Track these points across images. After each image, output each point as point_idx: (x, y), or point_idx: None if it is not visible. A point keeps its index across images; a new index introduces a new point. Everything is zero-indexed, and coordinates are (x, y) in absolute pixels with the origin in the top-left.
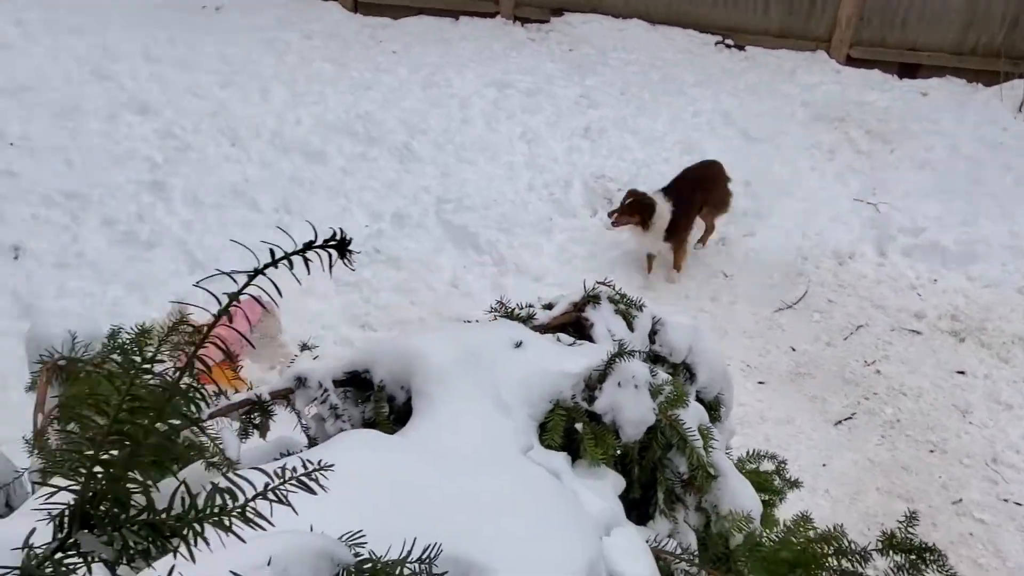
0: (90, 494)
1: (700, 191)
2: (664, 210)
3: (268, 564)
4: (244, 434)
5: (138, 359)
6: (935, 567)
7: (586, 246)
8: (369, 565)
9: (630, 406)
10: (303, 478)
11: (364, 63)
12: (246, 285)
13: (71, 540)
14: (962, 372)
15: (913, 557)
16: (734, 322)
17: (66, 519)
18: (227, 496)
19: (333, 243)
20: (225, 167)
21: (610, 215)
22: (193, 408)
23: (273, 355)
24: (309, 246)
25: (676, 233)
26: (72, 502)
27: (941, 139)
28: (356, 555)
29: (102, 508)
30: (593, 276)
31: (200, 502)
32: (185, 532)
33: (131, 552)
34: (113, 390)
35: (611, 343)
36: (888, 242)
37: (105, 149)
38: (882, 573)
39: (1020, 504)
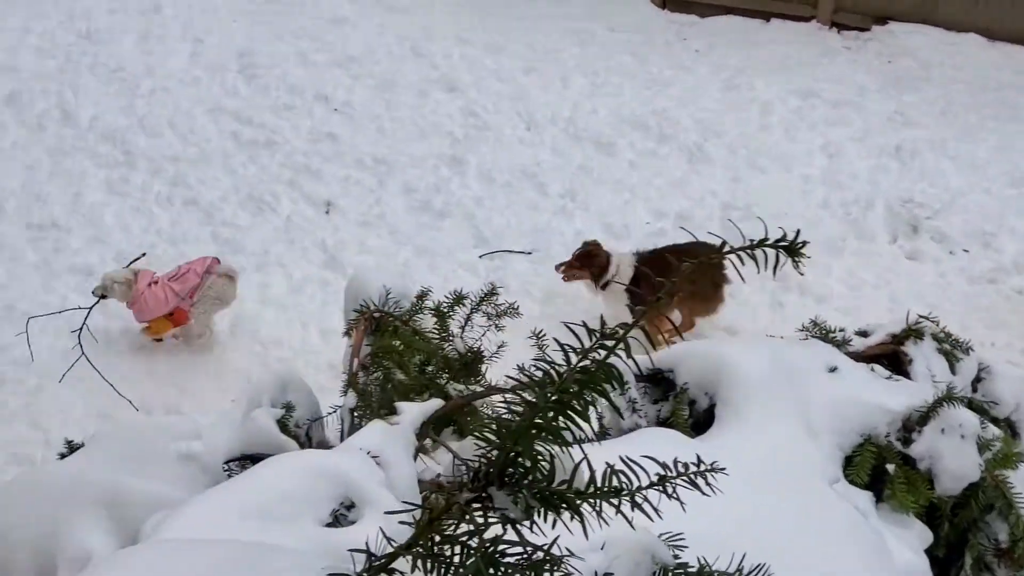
0: (507, 455)
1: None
2: (626, 271)
3: (602, 548)
4: None
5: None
6: None
7: (878, 273)
8: (693, 570)
9: (952, 456)
10: (694, 475)
11: (666, 60)
12: (689, 272)
13: (484, 494)
14: None
15: None
16: None
17: (482, 474)
18: (620, 478)
19: (784, 243)
20: (519, 149)
21: (557, 267)
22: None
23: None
24: (760, 243)
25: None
26: (491, 460)
27: None
28: (675, 556)
29: (513, 470)
30: (882, 307)
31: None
32: (579, 505)
33: (532, 513)
34: (422, 347)
35: (931, 383)
36: None
37: (414, 122)
38: None
39: None
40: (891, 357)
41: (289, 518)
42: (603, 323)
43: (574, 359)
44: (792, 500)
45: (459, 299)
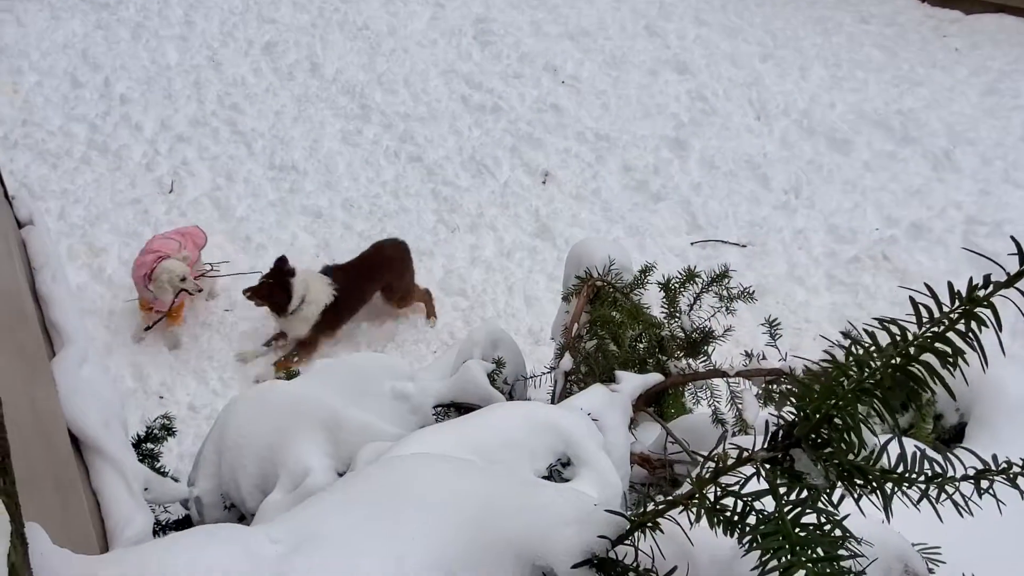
0: (822, 418)
1: (375, 279)
2: (317, 294)
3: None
4: (762, 402)
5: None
6: None
7: None
8: None
9: None
10: (1015, 476)
11: (919, 56)
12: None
13: (785, 455)
14: None
15: None
16: None
17: (784, 435)
18: (933, 465)
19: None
20: (745, 138)
21: (245, 292)
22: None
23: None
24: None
25: (325, 327)
26: (798, 421)
27: None
28: (930, 571)
29: (819, 435)
30: None
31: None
32: (885, 485)
33: (834, 481)
34: (645, 318)
35: None
36: None
37: (640, 101)
38: None
39: None
40: None
41: (508, 463)
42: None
43: (925, 327)
44: None
45: (691, 276)
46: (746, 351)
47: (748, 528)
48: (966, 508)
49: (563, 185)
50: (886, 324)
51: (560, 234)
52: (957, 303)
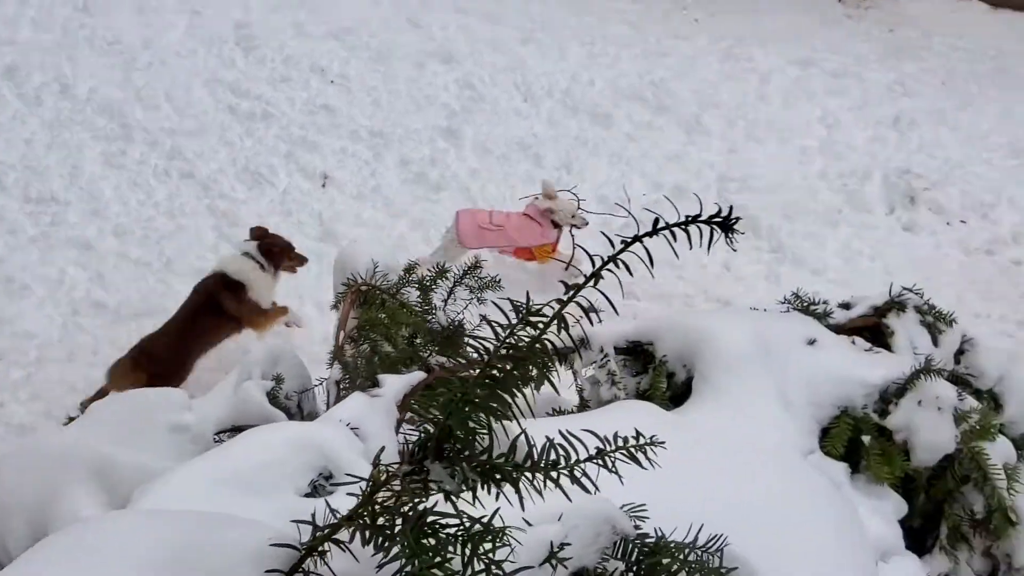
0: (444, 429)
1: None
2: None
3: (559, 519)
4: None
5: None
6: None
7: (874, 245)
8: (651, 540)
9: (928, 428)
10: (633, 449)
11: (663, 29)
12: (621, 251)
13: (422, 467)
14: None
15: None
16: None
17: (420, 448)
18: (560, 452)
19: (718, 219)
20: (515, 121)
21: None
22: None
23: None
24: (694, 220)
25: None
26: (428, 434)
27: None
28: (636, 527)
29: (450, 443)
30: (877, 279)
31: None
32: (518, 478)
33: (469, 487)
34: (408, 319)
35: (911, 356)
36: None
37: (410, 94)
38: None
39: None
40: (873, 330)
41: (267, 487)
42: (528, 299)
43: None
44: (763, 473)
45: (441, 272)
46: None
47: (384, 542)
48: (613, 477)
49: (343, 186)
50: (491, 322)
51: (344, 235)
52: (518, 320)
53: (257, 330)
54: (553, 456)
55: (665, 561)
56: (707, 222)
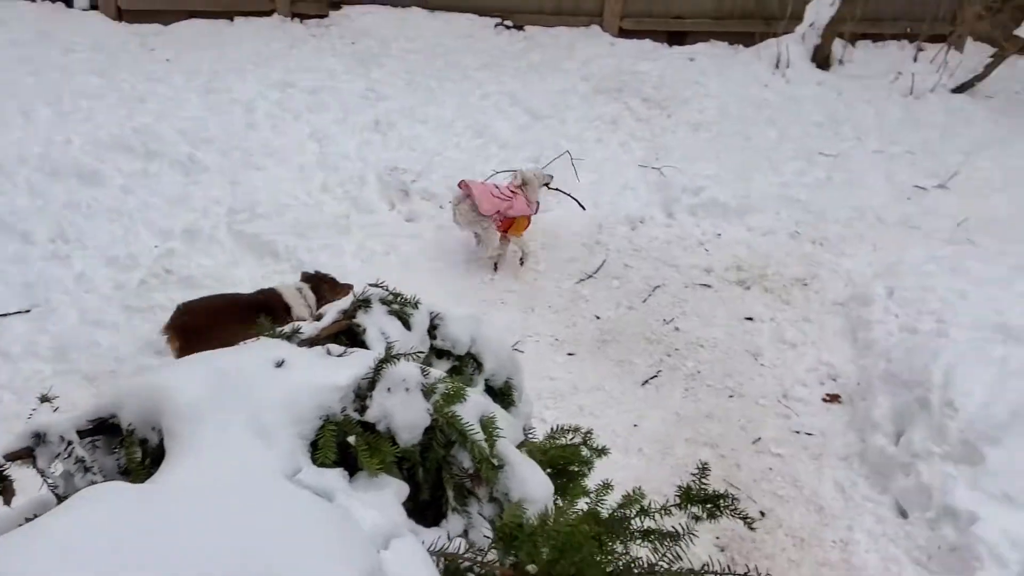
0: None
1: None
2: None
3: None
4: None
5: None
6: (728, 512)
7: (383, 241)
8: None
9: (402, 410)
10: None
11: (135, 73)
12: None
13: None
14: (750, 318)
15: (709, 506)
16: (540, 298)
17: None
18: None
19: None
20: None
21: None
22: None
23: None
24: None
25: None
26: None
27: (711, 101)
28: None
29: None
30: (394, 272)
31: None
32: None
33: None
34: None
35: (383, 346)
36: (674, 203)
37: None
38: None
39: (810, 434)
40: (348, 332)
41: None
42: None
43: None
44: (245, 511)
45: None
46: None
47: None
48: None
49: None
50: None
51: None
52: None
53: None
54: None
55: None
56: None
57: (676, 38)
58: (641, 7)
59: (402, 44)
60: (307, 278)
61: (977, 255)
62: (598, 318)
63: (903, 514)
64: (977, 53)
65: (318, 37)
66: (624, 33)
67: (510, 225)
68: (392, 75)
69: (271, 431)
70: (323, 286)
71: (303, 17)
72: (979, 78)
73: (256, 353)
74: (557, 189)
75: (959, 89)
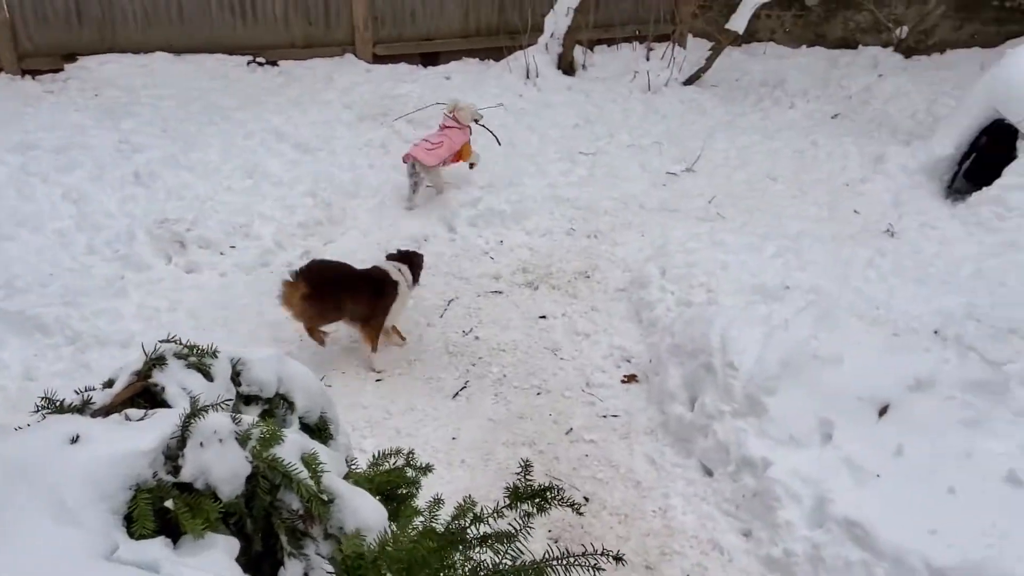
0: None
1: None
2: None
3: None
4: None
5: None
6: (556, 502)
7: (166, 296)
8: None
9: (219, 463)
10: None
11: None
12: None
13: None
14: (544, 316)
15: (538, 500)
16: (339, 330)
17: None
18: None
19: None
20: None
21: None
22: None
23: None
24: None
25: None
26: None
27: None
28: None
29: None
30: (183, 327)
31: None
32: None
33: None
34: None
35: (187, 402)
36: (454, 218)
37: None
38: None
39: (616, 416)
40: (145, 393)
41: None
42: None
43: None
44: None
45: None
46: None
47: None
48: None
49: None
50: None
51: None
52: None
53: (370, 330)
54: None
55: None
56: None
57: (429, 59)
58: (391, 32)
59: (152, 91)
60: (397, 257)
61: (728, 228)
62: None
63: (709, 473)
64: (699, 48)
65: (56, 93)
66: (378, 59)
67: (458, 156)
68: (146, 124)
69: (77, 512)
70: (414, 259)
71: (35, 73)
72: (703, 70)
73: (44, 433)
74: (483, 125)
75: (688, 81)
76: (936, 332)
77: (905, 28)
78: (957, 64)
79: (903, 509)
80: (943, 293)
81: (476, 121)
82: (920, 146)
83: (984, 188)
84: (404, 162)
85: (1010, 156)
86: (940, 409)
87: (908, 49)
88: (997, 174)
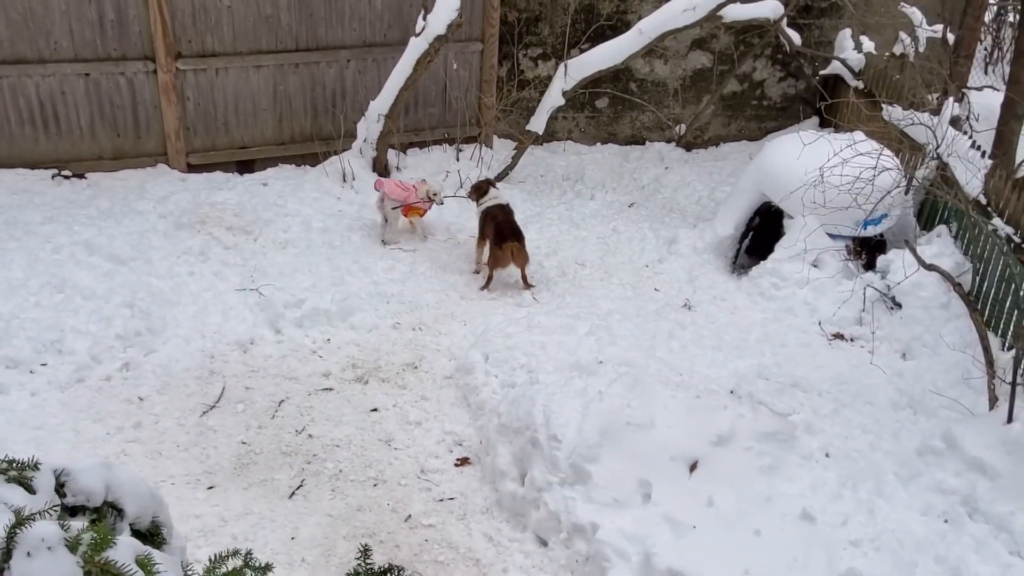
0: None
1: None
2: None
3: None
4: None
5: None
6: None
7: None
8: None
9: (49, 572)
10: None
11: None
12: None
13: None
14: (375, 409)
15: None
16: (166, 439)
17: None
18: None
19: None
20: None
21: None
22: None
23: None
24: None
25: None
26: None
27: (293, 220)
28: None
29: None
30: None
31: None
32: None
33: None
34: None
35: (9, 515)
36: (279, 319)
37: None
38: None
39: (452, 498)
40: None
41: None
42: None
43: None
44: None
45: None
46: None
47: None
48: None
49: None
50: None
51: None
52: None
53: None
54: None
55: None
56: None
57: (245, 166)
58: (204, 142)
59: None
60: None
61: (543, 311)
62: (239, 443)
63: (544, 543)
64: (505, 147)
65: None
66: (193, 168)
67: (408, 210)
68: None
69: None
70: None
71: None
72: (510, 167)
73: None
74: (440, 203)
75: (498, 179)
76: (732, 391)
77: (683, 126)
78: (730, 155)
79: (718, 555)
80: (736, 357)
81: (430, 198)
82: (706, 228)
83: (762, 262)
84: (375, 189)
85: (779, 233)
86: (741, 459)
87: (688, 144)
88: (771, 249)
